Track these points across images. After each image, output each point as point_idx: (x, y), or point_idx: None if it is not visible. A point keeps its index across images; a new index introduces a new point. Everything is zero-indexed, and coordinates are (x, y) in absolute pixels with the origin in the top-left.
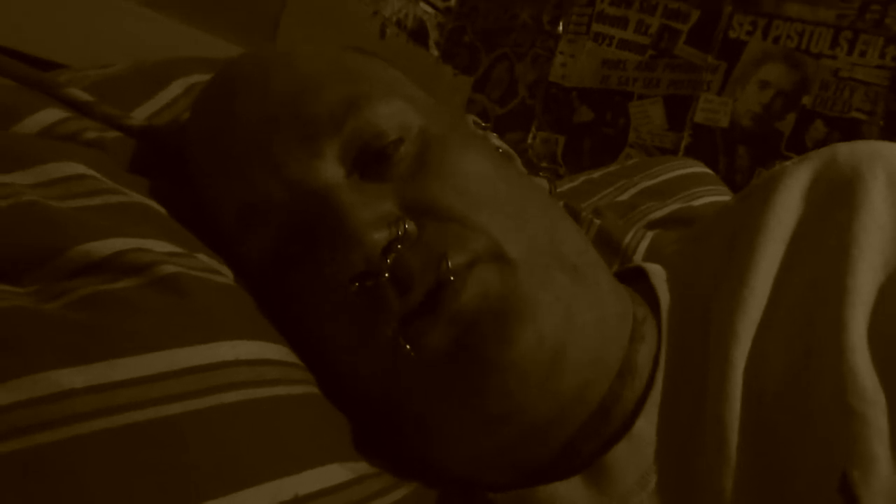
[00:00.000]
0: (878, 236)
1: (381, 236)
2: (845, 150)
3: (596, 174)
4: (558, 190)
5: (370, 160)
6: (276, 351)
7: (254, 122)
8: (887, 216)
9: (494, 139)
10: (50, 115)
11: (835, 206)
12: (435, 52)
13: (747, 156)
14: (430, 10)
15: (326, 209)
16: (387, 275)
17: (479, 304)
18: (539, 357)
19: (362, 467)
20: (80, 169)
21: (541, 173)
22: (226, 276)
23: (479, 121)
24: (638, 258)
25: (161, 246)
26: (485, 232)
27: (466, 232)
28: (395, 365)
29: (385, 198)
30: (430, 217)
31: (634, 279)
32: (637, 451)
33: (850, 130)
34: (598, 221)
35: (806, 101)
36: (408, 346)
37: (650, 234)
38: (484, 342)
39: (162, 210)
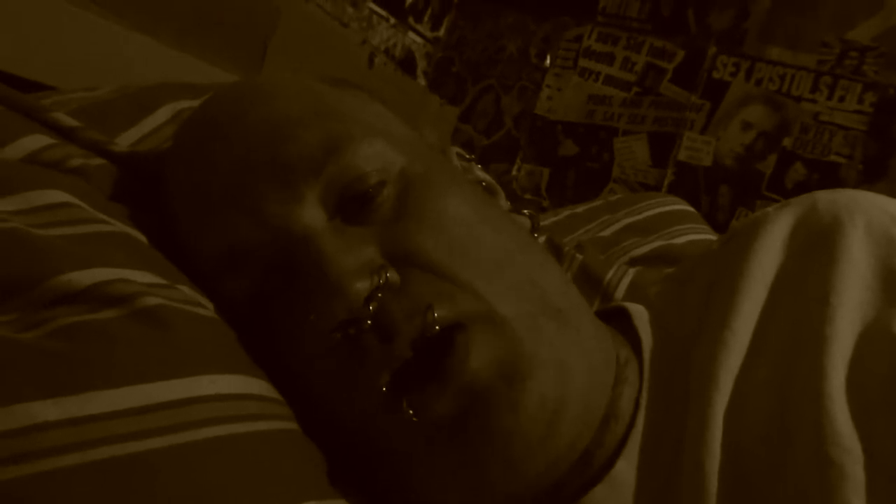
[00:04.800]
0: (857, 285)
1: (363, 286)
2: (825, 199)
3: (580, 208)
4: (542, 223)
5: (351, 204)
6: (256, 385)
7: (232, 167)
8: (865, 265)
9: (478, 171)
10: (35, 141)
11: (815, 254)
12: (423, 82)
13: (729, 195)
14: (418, 39)
15: (308, 255)
16: (369, 322)
17: (490, 372)
18: (540, 417)
19: None
20: (63, 197)
21: (524, 210)
22: (208, 308)
23: (462, 152)
24: (619, 295)
25: (143, 277)
26: (469, 285)
27: (450, 286)
28: (388, 422)
29: (367, 243)
30: (413, 265)
31: (616, 318)
32: (616, 494)
33: (829, 173)
34: (580, 257)
35: (787, 142)
36: (411, 412)
37: (632, 272)
38: (492, 410)
39: (145, 240)
